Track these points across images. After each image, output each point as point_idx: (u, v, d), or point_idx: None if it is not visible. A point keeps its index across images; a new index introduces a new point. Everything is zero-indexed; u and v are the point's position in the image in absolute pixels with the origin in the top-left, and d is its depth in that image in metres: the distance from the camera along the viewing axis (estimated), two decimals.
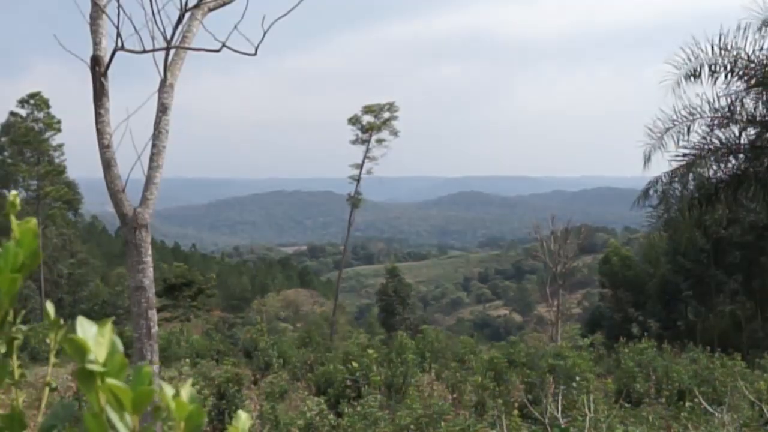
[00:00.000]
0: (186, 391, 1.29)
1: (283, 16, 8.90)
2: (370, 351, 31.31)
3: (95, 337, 1.30)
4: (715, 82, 22.69)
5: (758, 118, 23.10)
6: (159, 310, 63.05)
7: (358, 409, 22.86)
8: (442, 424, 21.93)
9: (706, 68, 22.50)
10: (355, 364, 28.80)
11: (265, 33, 8.76)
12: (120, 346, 1.33)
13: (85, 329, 1.31)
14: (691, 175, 23.49)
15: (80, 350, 1.28)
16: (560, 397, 12.70)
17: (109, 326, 1.34)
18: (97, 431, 1.26)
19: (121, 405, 1.26)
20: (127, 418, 1.27)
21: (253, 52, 8.90)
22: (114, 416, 1.26)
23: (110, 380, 1.25)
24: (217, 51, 8.92)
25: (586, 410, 11.95)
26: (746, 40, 22.32)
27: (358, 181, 67.95)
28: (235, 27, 8.80)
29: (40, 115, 70.32)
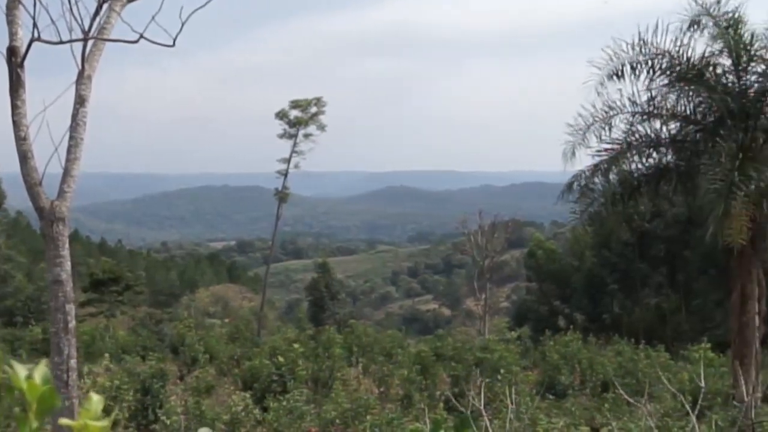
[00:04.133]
0: (39, 372, 1.29)
1: (200, 7, 8.85)
2: (296, 345, 31.30)
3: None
4: (637, 79, 22.95)
5: (680, 113, 23.42)
6: (84, 305, 62.41)
7: (284, 403, 22.83)
8: (368, 417, 21.97)
9: (628, 66, 22.74)
10: (281, 359, 28.77)
11: (183, 24, 8.70)
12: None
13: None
14: (613, 169, 23.73)
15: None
16: (482, 390, 12.77)
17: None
18: None
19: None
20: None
21: (171, 43, 8.83)
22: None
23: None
24: (135, 42, 8.84)
25: (509, 402, 12.01)
26: (665, 38, 22.61)
27: (286, 175, 67.85)
28: (153, 18, 8.74)
29: None
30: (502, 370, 27.25)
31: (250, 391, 27.28)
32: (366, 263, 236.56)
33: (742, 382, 18.54)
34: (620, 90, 23.12)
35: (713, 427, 17.42)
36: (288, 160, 67.62)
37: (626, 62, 22.68)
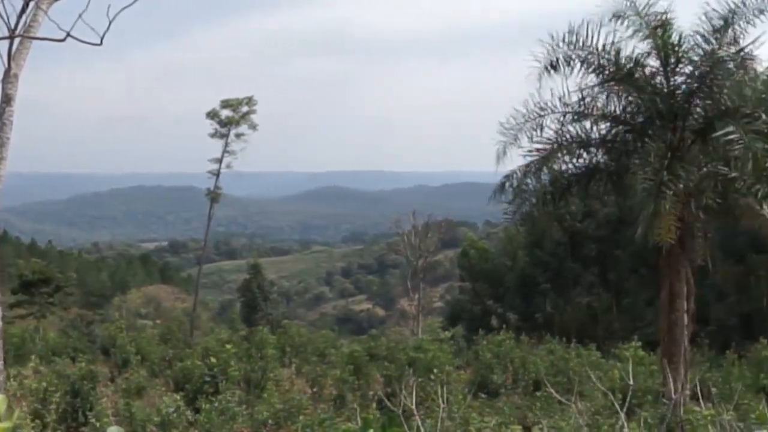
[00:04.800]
0: None
1: (127, 6, 8.75)
2: (229, 346, 31.15)
3: None
4: (571, 72, 23.09)
5: (610, 113, 23.62)
6: (14, 307, 61.56)
7: (216, 404, 22.69)
8: (301, 418, 21.92)
9: (562, 63, 22.87)
10: (213, 360, 28.59)
11: (110, 23, 8.59)
12: None
13: None
14: (545, 169, 23.86)
15: None
16: (414, 390, 12.76)
17: None
18: None
19: None
20: None
21: (99, 42, 8.72)
22: None
23: None
24: (62, 40, 8.72)
25: (440, 401, 12.04)
26: (596, 37, 22.78)
27: (218, 175, 67.49)
28: (80, 16, 8.62)
29: None
30: (435, 370, 27.27)
31: (182, 392, 27.06)
32: (300, 263, 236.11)
33: (671, 380, 18.72)
34: (552, 90, 23.26)
35: (642, 424, 17.58)
36: (220, 160, 67.29)
37: (561, 56, 22.83)
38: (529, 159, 23.82)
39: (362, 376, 30.71)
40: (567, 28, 22.99)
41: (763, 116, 20.65)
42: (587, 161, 24.35)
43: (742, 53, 22.68)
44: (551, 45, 22.91)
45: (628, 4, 22.73)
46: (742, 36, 22.59)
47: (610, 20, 22.77)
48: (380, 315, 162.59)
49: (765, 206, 21.86)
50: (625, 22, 22.79)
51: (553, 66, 23.05)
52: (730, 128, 20.15)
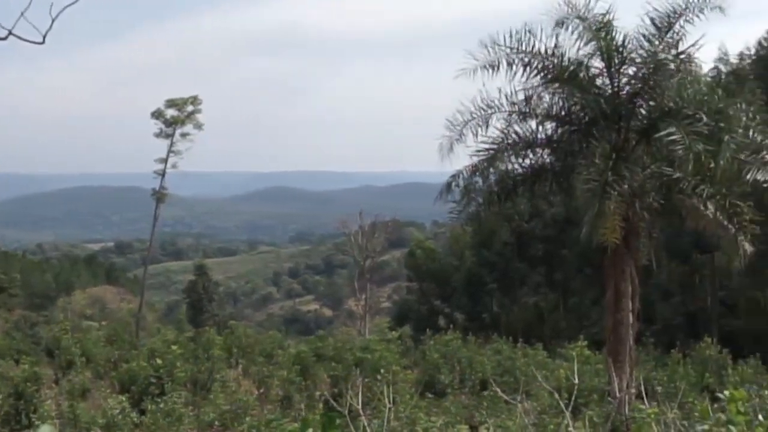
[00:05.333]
0: None
1: (70, 4, 8.64)
2: (175, 347, 30.94)
3: None
4: (513, 76, 23.16)
5: (555, 113, 23.72)
6: None
7: (162, 406, 22.54)
8: (247, 419, 21.85)
9: (505, 62, 22.93)
10: (159, 361, 28.39)
11: (53, 21, 8.48)
12: None
13: None
14: (491, 169, 23.92)
15: None
16: (360, 390, 12.75)
17: None
18: None
19: None
20: None
21: (41, 41, 8.60)
22: None
23: None
24: (3, 39, 8.58)
25: (386, 401, 12.02)
26: (539, 38, 22.87)
27: (163, 175, 67.14)
28: (22, 14, 8.49)
29: None
30: (382, 370, 27.26)
31: (127, 393, 26.84)
32: (247, 264, 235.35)
33: (617, 378, 18.87)
34: (499, 89, 23.33)
35: (588, 423, 17.69)
36: (165, 160, 66.98)
37: (503, 59, 22.88)
38: (476, 159, 23.87)
39: (309, 377, 30.68)
40: (509, 32, 23.07)
41: (704, 118, 20.84)
42: (533, 161, 24.46)
43: (682, 55, 22.89)
44: (491, 48, 22.94)
45: (570, 10, 22.82)
46: (683, 38, 22.81)
47: (554, 29, 22.87)
48: (327, 315, 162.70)
49: (710, 206, 22.10)
50: (569, 28, 22.91)
51: (493, 67, 23.09)
52: (672, 129, 20.31)
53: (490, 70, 22.95)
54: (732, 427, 6.17)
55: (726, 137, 20.63)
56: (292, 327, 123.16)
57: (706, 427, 6.47)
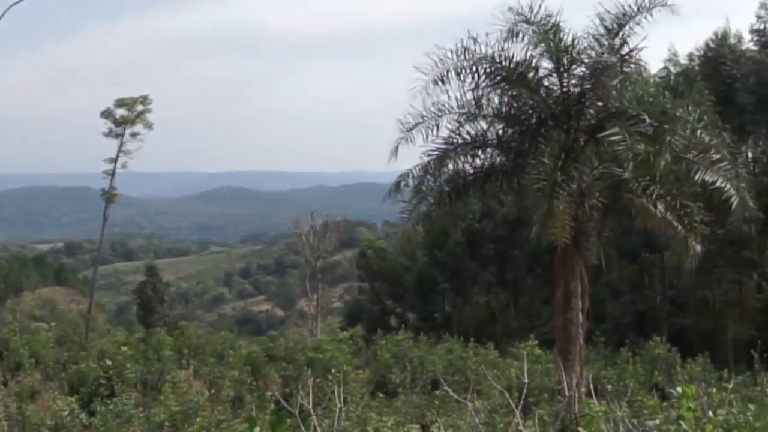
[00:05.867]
0: None
1: (14, 3, 8.59)
2: (125, 348, 30.79)
3: None
4: (462, 83, 23.22)
5: (504, 114, 23.82)
6: None
7: (111, 407, 22.42)
8: (198, 420, 21.77)
9: (453, 72, 22.96)
10: (109, 362, 28.25)
11: None
12: None
13: None
14: (442, 169, 23.96)
15: None
16: (311, 390, 12.75)
17: None
18: None
19: None
20: None
21: None
22: None
23: None
24: None
25: (337, 401, 12.02)
26: (487, 42, 22.92)
27: (113, 175, 66.59)
28: None
29: None
30: (333, 370, 27.27)
31: (76, 395, 26.71)
32: (198, 264, 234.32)
33: (567, 377, 18.97)
34: (447, 91, 23.36)
35: (538, 422, 17.79)
36: (115, 160, 66.44)
37: (451, 68, 22.91)
38: (426, 158, 23.91)
39: (260, 377, 30.67)
40: (465, 32, 23.10)
41: (647, 119, 20.99)
42: (484, 161, 24.53)
43: (625, 56, 23.07)
44: (438, 62, 22.96)
45: (516, 17, 22.87)
46: (630, 38, 22.98)
47: (506, 39, 22.94)
48: (279, 315, 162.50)
49: (659, 207, 22.29)
50: (520, 34, 22.98)
51: (443, 80, 23.13)
52: (615, 129, 20.44)
53: (441, 78, 23.01)
54: (682, 423, 6.25)
55: (668, 138, 20.83)
56: (244, 327, 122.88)
57: (657, 422, 6.55)
